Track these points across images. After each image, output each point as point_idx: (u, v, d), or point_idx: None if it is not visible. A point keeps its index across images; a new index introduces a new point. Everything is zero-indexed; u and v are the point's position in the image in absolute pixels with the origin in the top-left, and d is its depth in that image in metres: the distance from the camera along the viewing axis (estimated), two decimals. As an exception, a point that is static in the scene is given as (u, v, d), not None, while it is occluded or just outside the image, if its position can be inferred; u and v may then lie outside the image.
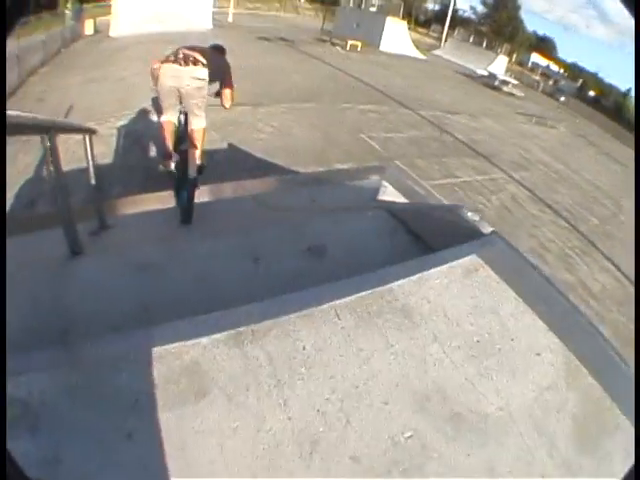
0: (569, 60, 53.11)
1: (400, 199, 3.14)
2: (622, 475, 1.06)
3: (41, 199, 6.14)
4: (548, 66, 45.77)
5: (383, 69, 18.89)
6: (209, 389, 1.16)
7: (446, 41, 36.85)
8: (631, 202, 12.22)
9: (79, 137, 7.30)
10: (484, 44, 37.15)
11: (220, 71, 4.49)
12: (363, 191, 3.32)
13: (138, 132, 7.88)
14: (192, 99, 4.02)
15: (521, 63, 44.14)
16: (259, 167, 6.61)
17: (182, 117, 4.20)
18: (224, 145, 7.39)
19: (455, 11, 48.05)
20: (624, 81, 43.19)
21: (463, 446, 1.22)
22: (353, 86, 14.25)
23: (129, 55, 15.36)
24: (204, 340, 1.23)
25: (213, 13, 24.68)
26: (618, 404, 1.44)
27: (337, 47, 23.06)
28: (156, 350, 1.18)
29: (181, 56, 4.05)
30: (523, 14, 50.80)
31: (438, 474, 1.15)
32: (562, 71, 46.83)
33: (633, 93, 37.46)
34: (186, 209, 3.41)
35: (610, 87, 43.92)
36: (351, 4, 31.40)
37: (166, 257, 2.06)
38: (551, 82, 38.26)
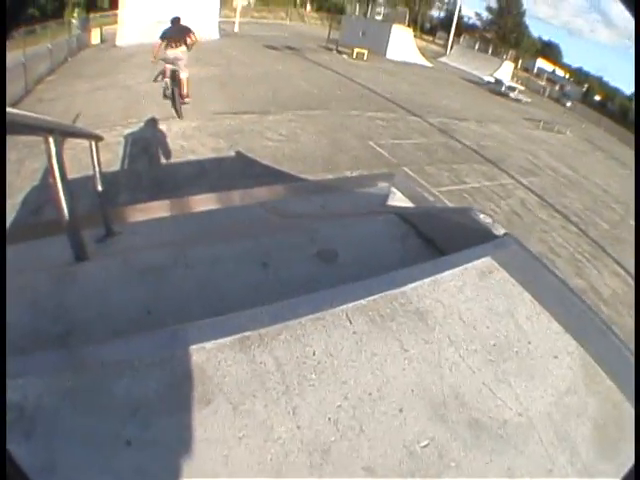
0: (574, 65, 53.19)
1: (409, 205, 3.11)
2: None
3: (47, 205, 6.23)
4: (554, 71, 45.64)
5: (390, 76, 19.00)
6: (214, 396, 1.09)
7: (452, 48, 36.81)
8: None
9: (86, 144, 7.34)
10: (490, 50, 37.13)
11: (185, 31, 9.35)
12: (372, 198, 3.28)
13: (145, 140, 8.00)
14: (179, 62, 9.20)
15: (527, 69, 44.14)
16: (267, 174, 6.64)
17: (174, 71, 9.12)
18: (232, 153, 7.47)
19: (460, 18, 48.36)
20: (628, 84, 43.27)
21: (482, 454, 1.16)
22: (361, 94, 14.31)
23: (135, 63, 15.63)
24: (208, 345, 1.16)
25: (219, 23, 24.82)
26: (637, 407, 1.37)
27: (343, 55, 23.13)
28: (159, 355, 1.12)
29: (172, 44, 9.07)
30: (528, 20, 50.59)
31: None
32: (567, 76, 46.82)
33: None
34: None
35: (615, 90, 43.78)
36: (357, 13, 31.70)
37: (172, 262, 2.01)
38: (557, 87, 38.20)
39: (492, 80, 24.64)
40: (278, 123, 9.61)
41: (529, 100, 23.63)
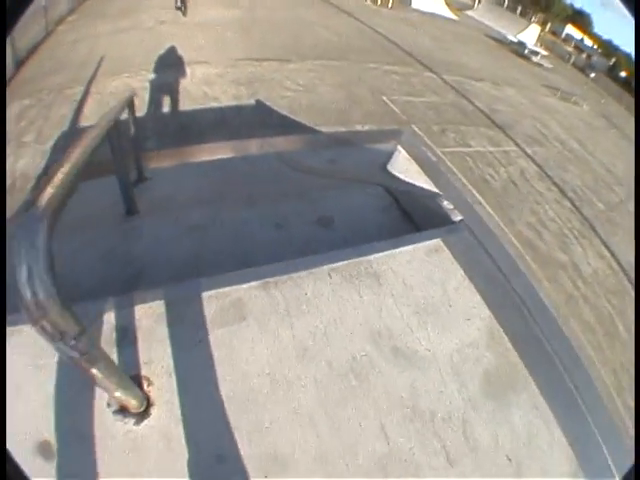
0: (605, 37, 51.67)
1: (411, 164, 3.51)
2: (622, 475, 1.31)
3: None
4: (582, 39, 44.41)
5: (412, 28, 18.87)
6: (246, 316, 1.69)
7: (480, 2, 35.81)
8: None
9: (113, 89, 7.70)
10: (519, 10, 36.27)
11: None
12: (378, 154, 3.68)
13: (169, 86, 8.26)
14: None
15: (555, 33, 43.10)
16: (284, 125, 7.00)
17: None
18: (252, 101, 7.80)
19: None
20: (657, 65, 42.08)
21: (397, 367, 1.70)
22: (381, 45, 14.35)
23: (158, 3, 15.49)
24: (244, 286, 1.76)
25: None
26: (530, 370, 1.83)
27: (368, 1, 22.87)
28: (215, 291, 1.73)
29: None
30: None
31: (378, 381, 1.64)
32: (595, 47, 45.56)
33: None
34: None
35: None
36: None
37: (211, 222, 2.56)
38: (584, 56, 37.03)
39: (515, 41, 24.23)
40: (297, 72, 9.84)
41: (551, 66, 23.26)
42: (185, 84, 6.87)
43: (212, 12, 13.92)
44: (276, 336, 1.66)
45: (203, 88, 8.44)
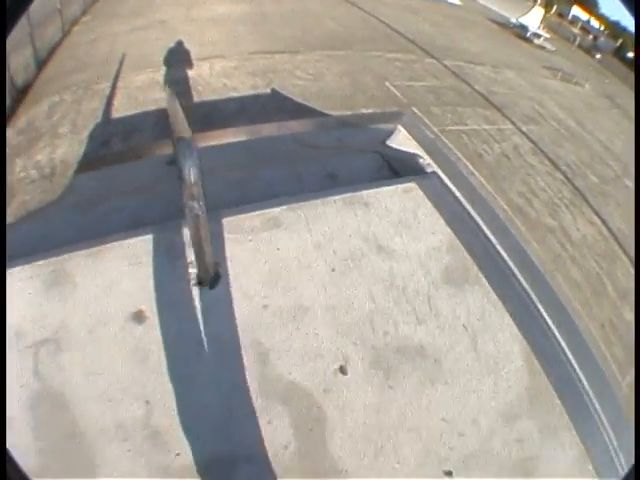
0: (612, 18, 51.43)
1: (411, 141, 4.26)
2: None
3: (114, 138, 7.63)
4: (588, 21, 44.51)
5: (415, 15, 19.60)
6: (280, 226, 2.46)
7: None
8: None
9: (139, 84, 8.52)
10: None
11: None
12: (380, 133, 4.45)
13: (192, 79, 9.12)
14: None
15: (561, 14, 43.21)
16: (297, 110, 7.80)
17: None
18: (268, 90, 8.66)
19: None
20: (666, 46, 41.97)
21: (380, 258, 2.37)
22: (385, 34, 15.09)
23: (169, 0, 16.20)
24: (278, 209, 2.50)
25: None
26: (482, 272, 2.45)
27: (372, -13, 23.40)
28: (259, 212, 2.44)
29: None
30: None
31: (367, 265, 2.36)
32: (602, 28, 45.69)
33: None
34: None
35: None
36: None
37: (247, 178, 3.40)
38: (590, 37, 37.75)
39: (518, 24, 24.80)
40: (307, 63, 10.71)
41: (554, 49, 23.77)
42: (205, 77, 7.61)
43: (222, 8, 14.67)
44: (300, 236, 2.49)
45: (222, 80, 9.26)
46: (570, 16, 43.65)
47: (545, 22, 31.30)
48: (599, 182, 10.94)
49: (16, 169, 7.32)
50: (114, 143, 7.50)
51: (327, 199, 2.70)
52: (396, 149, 4.28)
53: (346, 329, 2.13)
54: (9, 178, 7.07)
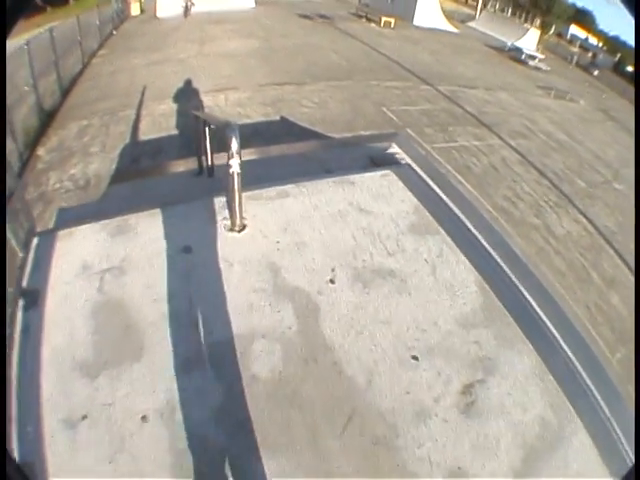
0: (611, 33, 52.71)
1: (404, 157, 5.04)
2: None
3: (142, 157, 8.68)
4: (587, 39, 45.90)
5: (413, 45, 20.97)
6: (288, 196, 3.48)
7: (481, 13, 37.66)
8: (633, 172, 12.62)
9: (161, 112, 9.83)
10: (523, 16, 37.73)
11: None
12: (375, 150, 4.95)
13: (209, 108, 10.35)
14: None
15: (560, 34, 44.53)
16: (304, 133, 8.94)
17: None
18: (278, 117, 9.92)
19: None
20: (665, 57, 42.69)
21: (362, 215, 3.46)
22: (384, 65, 16.44)
23: (182, 37, 17.64)
24: (287, 186, 3.55)
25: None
26: (441, 226, 3.40)
27: (372, 23, 25.25)
28: (273, 189, 3.50)
29: None
30: None
31: (351, 219, 3.61)
32: (600, 45, 46.88)
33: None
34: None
35: None
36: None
37: (264, 176, 4.57)
38: (589, 55, 38.55)
39: (513, 47, 26.05)
40: (312, 92, 12.02)
41: (548, 68, 24.74)
42: (222, 106, 8.61)
43: (233, 44, 16.12)
44: (303, 202, 3.41)
45: (237, 109, 10.51)
46: (568, 35, 44.98)
47: (542, 44, 32.62)
48: (587, 186, 11.32)
49: (50, 181, 8.10)
50: (143, 160, 8.41)
51: (323, 181, 3.80)
52: (379, 149, 5.49)
53: (335, 256, 2.96)
54: (43, 189, 7.82)
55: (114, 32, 20.47)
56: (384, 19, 25.00)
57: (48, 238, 3.09)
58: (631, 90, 28.96)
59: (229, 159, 2.98)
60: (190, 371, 2.38)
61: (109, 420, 2.21)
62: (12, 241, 2.75)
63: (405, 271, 3.00)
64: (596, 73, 32.18)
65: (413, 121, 11.52)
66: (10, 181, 2.70)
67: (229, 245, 3.07)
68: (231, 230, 3.16)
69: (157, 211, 3.24)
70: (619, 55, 42.62)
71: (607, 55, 42.49)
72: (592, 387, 2.59)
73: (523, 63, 24.43)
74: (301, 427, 2.26)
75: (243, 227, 3.18)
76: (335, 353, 2.48)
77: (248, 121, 9.76)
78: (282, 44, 17.06)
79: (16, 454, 2.01)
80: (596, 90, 25.65)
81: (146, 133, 9.73)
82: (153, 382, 2.33)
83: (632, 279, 8.57)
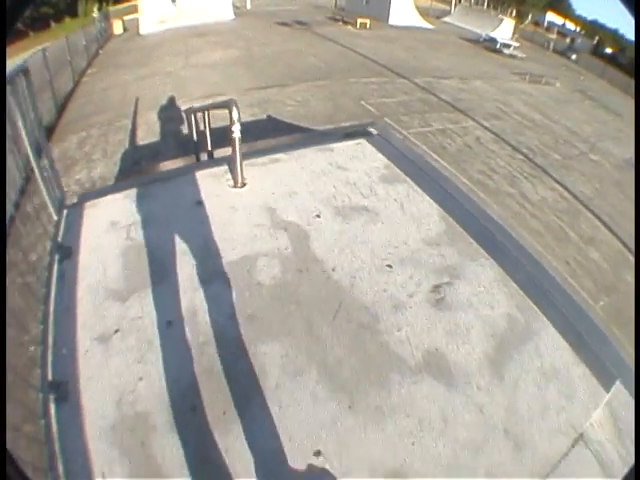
0: (589, 17, 53.74)
1: (382, 141, 5.34)
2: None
3: (143, 159, 9.36)
4: (564, 24, 47.00)
5: (388, 43, 21.98)
6: (281, 158, 4.43)
7: (456, 7, 38.87)
8: (611, 145, 13.61)
9: (156, 120, 10.60)
10: (498, 8, 38.46)
11: None
12: (353, 129, 5.47)
13: (201, 112, 11.07)
14: None
15: (537, 23, 45.61)
16: (290, 128, 9.65)
17: None
18: (265, 116, 10.76)
19: None
20: (645, 36, 43.35)
21: (341, 173, 4.38)
22: (361, 63, 17.45)
23: (167, 51, 18.64)
24: (280, 154, 4.61)
25: (232, 1, 27.85)
26: (409, 177, 4.73)
27: (349, 26, 26.36)
28: (268, 157, 4.50)
29: None
30: None
31: (333, 175, 4.46)
32: (578, 29, 47.99)
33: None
34: None
35: (629, 43, 42.82)
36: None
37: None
38: (568, 40, 39.38)
39: (487, 37, 27.09)
40: (295, 93, 12.90)
41: (524, 56, 25.62)
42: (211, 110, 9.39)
43: (216, 54, 17.10)
44: (291, 165, 4.16)
45: (226, 111, 11.10)
46: (545, 23, 46.01)
47: (518, 33, 33.59)
48: (562, 159, 11.95)
49: (57, 186, 8.82)
50: (143, 162, 9.01)
51: (307, 149, 4.72)
52: (354, 126, 6.35)
53: (319, 200, 3.76)
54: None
55: (100, 51, 21.45)
56: (360, 21, 26.10)
57: (77, 208, 3.74)
58: (611, 71, 29.84)
59: (231, 126, 3.74)
60: (207, 285, 2.95)
61: (138, 330, 2.68)
62: (48, 205, 3.39)
63: (378, 208, 3.73)
64: (574, 57, 32.94)
65: (390, 111, 12.29)
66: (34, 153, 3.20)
67: (233, 197, 3.80)
68: (234, 187, 3.93)
69: (170, 179, 4.09)
70: (597, 38, 43.58)
71: (586, 39, 43.17)
72: (553, 292, 3.09)
73: (498, 52, 25.34)
74: (299, 319, 2.77)
75: (244, 184, 3.94)
76: (323, 264, 3.12)
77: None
78: (263, 52, 18.07)
79: (50, 376, 2.42)
80: (573, 73, 26.37)
81: (143, 139, 10.44)
82: (176, 297, 2.87)
83: (612, 237, 9.02)
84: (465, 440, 2.24)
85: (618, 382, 2.49)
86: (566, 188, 10.38)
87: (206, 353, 2.54)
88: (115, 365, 2.49)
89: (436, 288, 3.02)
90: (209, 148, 5.80)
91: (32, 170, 3.19)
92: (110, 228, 3.47)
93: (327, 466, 2.13)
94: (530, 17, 45.14)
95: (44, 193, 3.35)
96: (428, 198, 3.91)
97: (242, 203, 3.76)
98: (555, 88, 20.41)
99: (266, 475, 2.08)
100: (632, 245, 8.81)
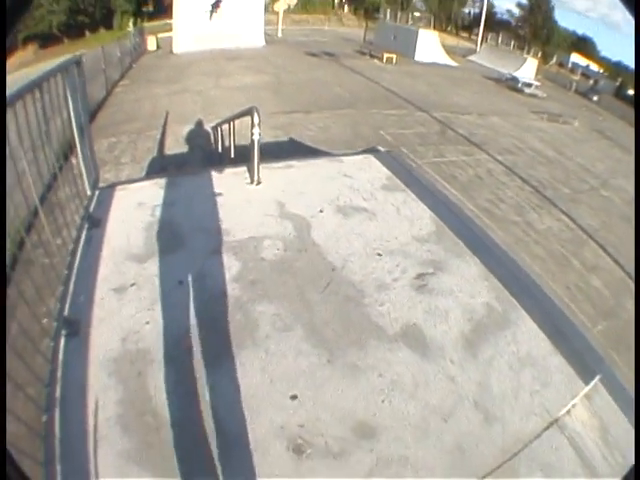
0: (614, 59, 53.67)
1: (387, 157, 5.56)
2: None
3: (170, 166, 9.93)
4: (588, 66, 47.56)
5: (412, 79, 22.72)
6: (293, 167, 5.12)
7: (482, 46, 39.85)
8: (623, 182, 13.34)
9: (184, 133, 11.32)
10: (524, 47, 38.23)
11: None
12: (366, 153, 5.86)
13: (226, 130, 11.70)
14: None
15: (562, 64, 46.30)
16: (310, 151, 10.11)
17: None
18: (287, 138, 11.47)
19: (493, 15, 50.77)
20: (667, 76, 43.39)
21: (343, 179, 5.38)
22: (384, 95, 18.23)
23: (199, 71, 19.77)
24: (294, 161, 5.33)
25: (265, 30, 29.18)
26: (408, 187, 5.45)
27: (375, 60, 27.42)
28: (281, 163, 5.26)
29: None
30: (563, 14, 52.52)
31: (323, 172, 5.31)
32: (602, 71, 48.12)
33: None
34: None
35: None
36: (388, 17, 35.56)
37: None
38: (591, 82, 39.62)
39: (509, 77, 27.57)
40: (317, 119, 13.58)
41: (544, 95, 25.88)
42: (237, 129, 9.24)
43: (246, 79, 17.96)
44: (303, 171, 4.76)
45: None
46: (570, 64, 46.57)
47: (542, 73, 34.00)
48: (571, 192, 11.98)
49: (86, 183, 9.31)
50: (170, 169, 9.47)
51: (319, 159, 5.52)
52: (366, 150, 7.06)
53: (324, 199, 4.26)
54: (80, 188, 8.95)
55: (133, 65, 22.52)
56: (386, 55, 27.06)
57: (109, 189, 4.27)
58: (631, 112, 28.68)
59: (252, 128, 4.41)
60: (216, 255, 3.38)
61: (152, 285, 3.03)
62: (84, 179, 3.85)
63: (375, 209, 4.21)
64: (595, 98, 32.98)
65: (407, 142, 12.78)
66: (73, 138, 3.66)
67: (249, 192, 4.40)
68: (250, 184, 4.54)
69: (196, 173, 4.87)
70: (620, 80, 43.58)
71: (609, 81, 43.39)
72: (532, 289, 3.31)
73: (519, 91, 25.65)
74: (293, 287, 3.14)
75: (259, 183, 4.54)
76: (320, 248, 3.58)
77: (261, 142, 10.75)
78: (290, 79, 18.97)
79: (66, 312, 2.69)
80: (592, 113, 26.49)
81: (171, 149, 11.05)
82: (189, 262, 3.28)
83: (615, 266, 8.99)
84: (434, 406, 2.40)
85: (598, 377, 2.57)
86: (573, 219, 10.44)
87: (208, 308, 2.90)
88: (126, 311, 2.82)
89: (420, 276, 3.33)
90: (232, 156, 6.42)
91: (74, 146, 3.70)
92: (137, 207, 4.00)
93: (301, 409, 2.35)
94: (555, 58, 45.83)
95: (82, 167, 3.85)
96: (423, 205, 4.35)
97: (255, 197, 4.33)
98: (573, 127, 20.43)
99: (244, 409, 2.31)
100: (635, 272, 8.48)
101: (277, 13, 37.32)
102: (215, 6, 27.05)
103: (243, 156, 5.04)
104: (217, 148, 6.74)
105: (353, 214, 4.14)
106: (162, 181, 4.55)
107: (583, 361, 2.72)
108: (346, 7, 59.86)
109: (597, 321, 7.42)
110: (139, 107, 14.91)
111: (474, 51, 39.62)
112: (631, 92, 41.07)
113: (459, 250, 3.69)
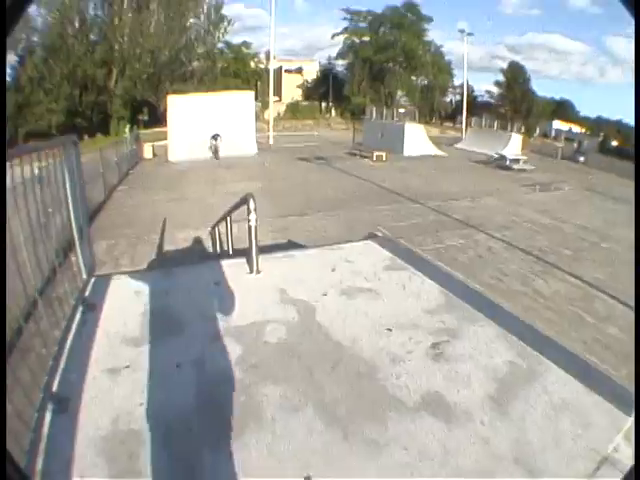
0: (593, 116, 55.70)
1: (386, 241, 5.67)
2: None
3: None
4: (570, 129, 48.84)
5: (402, 173, 23.55)
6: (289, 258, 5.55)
7: (466, 132, 41.28)
8: (621, 230, 13.38)
9: (182, 238, 12.20)
10: (508, 125, 39.12)
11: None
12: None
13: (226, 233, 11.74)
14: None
15: (545, 134, 47.60)
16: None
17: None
18: (284, 240, 11.66)
19: (474, 99, 52.97)
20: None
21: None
22: (376, 192, 18.85)
23: (196, 179, 20.84)
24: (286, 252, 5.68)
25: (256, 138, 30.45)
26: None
27: (366, 159, 28.47)
28: (275, 255, 5.55)
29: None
30: (539, 82, 53.98)
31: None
32: (583, 131, 49.70)
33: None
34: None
35: (632, 130, 41.52)
36: (374, 116, 37.56)
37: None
38: (575, 145, 40.17)
39: (497, 156, 28.47)
40: (312, 220, 13.98)
41: (533, 167, 26.75)
42: (235, 233, 8.30)
43: (240, 185, 18.03)
44: (302, 260, 4.99)
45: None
46: (553, 132, 47.90)
47: (528, 147, 35.02)
48: (573, 253, 12.14)
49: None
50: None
51: (319, 249, 5.54)
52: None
53: (326, 285, 4.22)
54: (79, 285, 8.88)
55: (131, 171, 23.58)
56: (376, 154, 28.06)
57: (105, 277, 4.31)
58: (618, 163, 29.76)
59: (248, 214, 4.54)
60: (216, 340, 3.28)
61: (148, 367, 2.92)
62: (80, 263, 3.92)
63: (380, 288, 4.18)
64: (582, 159, 33.74)
65: (404, 232, 12.86)
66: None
67: (248, 281, 4.41)
68: (250, 273, 4.53)
69: (194, 264, 5.17)
70: (602, 135, 44.93)
71: (592, 138, 44.33)
72: (552, 341, 3.29)
73: (508, 168, 26.49)
74: (299, 369, 2.99)
75: (259, 272, 4.52)
76: (326, 329, 3.47)
77: (260, 244, 10.51)
78: (284, 184, 19.77)
79: (55, 388, 2.62)
80: (581, 174, 27.07)
81: (170, 253, 11.33)
82: (187, 346, 3.20)
83: (627, 310, 8.66)
84: (470, 470, 2.22)
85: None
86: (578, 277, 10.43)
87: (208, 390, 2.81)
88: (119, 391, 2.73)
89: (435, 345, 3.25)
90: (230, 252, 6.48)
91: (70, 226, 3.77)
92: (134, 294, 4.01)
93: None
94: (538, 130, 47.10)
95: (78, 251, 3.91)
96: (429, 280, 4.33)
97: (256, 285, 4.33)
98: (564, 192, 21.10)
99: None
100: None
101: (267, 122, 39.03)
102: (215, 139, 28.44)
103: (242, 254, 5.14)
104: (215, 249, 6.86)
105: (358, 295, 4.11)
106: (159, 272, 4.74)
107: (618, 392, 2.68)
108: (333, 111, 63.12)
109: (620, 367, 6.88)
110: (138, 212, 15.41)
111: (460, 139, 40.88)
112: (614, 143, 42.61)
113: (472, 316, 3.66)
